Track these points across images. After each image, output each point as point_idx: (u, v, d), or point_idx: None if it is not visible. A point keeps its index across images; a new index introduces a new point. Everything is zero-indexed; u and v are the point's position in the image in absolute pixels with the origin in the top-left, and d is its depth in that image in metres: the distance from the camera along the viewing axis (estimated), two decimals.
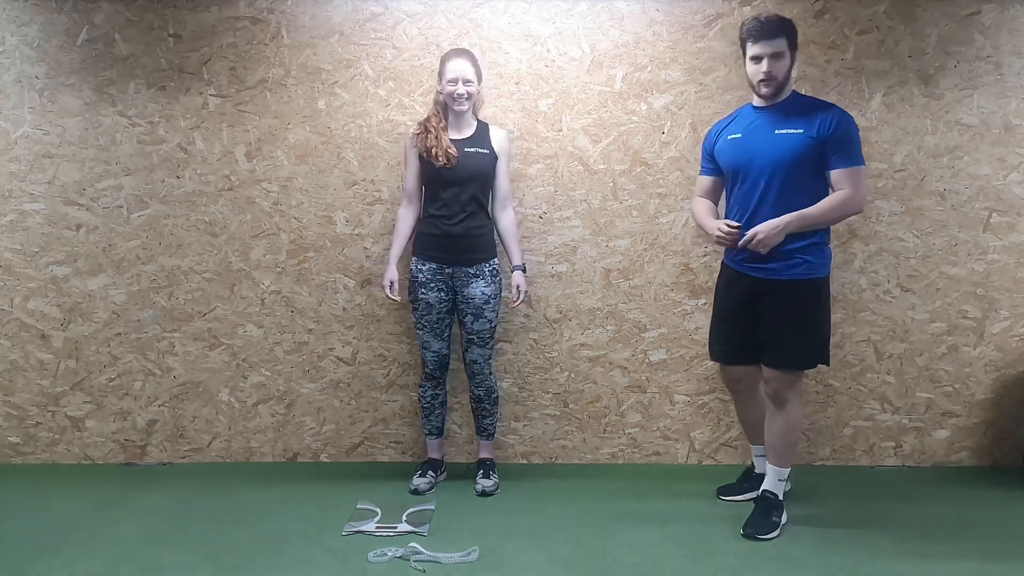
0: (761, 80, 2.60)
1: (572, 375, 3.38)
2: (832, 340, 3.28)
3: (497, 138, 3.05)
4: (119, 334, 3.34)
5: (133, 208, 3.29)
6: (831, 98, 3.16)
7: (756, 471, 3.00)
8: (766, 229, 2.56)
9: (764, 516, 2.70)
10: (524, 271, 3.11)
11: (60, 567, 2.48)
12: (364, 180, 3.28)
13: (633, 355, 3.35)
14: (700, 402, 3.36)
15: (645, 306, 3.32)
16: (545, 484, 3.18)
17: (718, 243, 2.72)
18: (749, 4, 3.16)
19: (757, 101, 2.70)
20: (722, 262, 2.89)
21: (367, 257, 3.31)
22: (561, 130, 3.24)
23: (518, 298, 3.09)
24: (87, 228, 3.29)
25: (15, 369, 3.36)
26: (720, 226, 2.65)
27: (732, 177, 2.73)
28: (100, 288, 3.32)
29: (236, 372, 3.38)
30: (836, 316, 3.31)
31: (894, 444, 3.39)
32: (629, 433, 3.40)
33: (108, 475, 3.29)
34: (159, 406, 3.39)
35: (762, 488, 2.79)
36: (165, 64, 3.22)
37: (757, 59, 2.58)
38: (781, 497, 2.76)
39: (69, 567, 2.48)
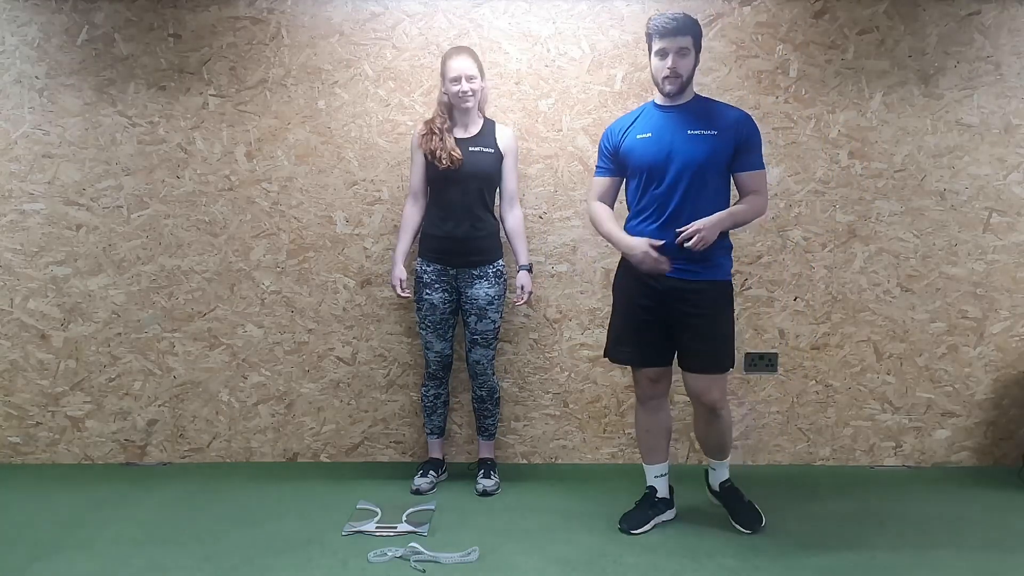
0: (666, 76, 2.52)
1: (572, 375, 3.38)
2: (832, 340, 3.32)
3: (503, 136, 3.01)
4: (119, 334, 3.34)
5: (133, 208, 3.29)
6: (831, 98, 3.17)
7: (659, 495, 2.80)
8: (708, 225, 2.46)
9: (742, 503, 2.79)
10: (530, 271, 3.08)
11: (60, 567, 2.48)
12: (364, 180, 3.28)
13: None
14: None
15: None
16: (545, 484, 3.18)
17: (640, 263, 2.56)
18: (749, 4, 3.16)
19: (660, 99, 2.61)
20: (624, 262, 2.70)
21: (367, 257, 3.31)
22: (561, 130, 3.24)
23: (522, 298, 3.06)
24: (87, 228, 3.29)
25: (15, 369, 3.36)
26: (648, 249, 2.53)
27: (644, 177, 2.60)
28: (100, 288, 3.32)
29: (236, 372, 3.38)
30: (836, 316, 3.32)
31: (894, 444, 3.39)
32: (629, 433, 3.40)
33: (108, 475, 3.29)
34: (159, 406, 3.39)
35: (720, 482, 2.85)
36: (165, 64, 3.22)
37: (663, 54, 2.50)
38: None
39: (69, 567, 2.48)
